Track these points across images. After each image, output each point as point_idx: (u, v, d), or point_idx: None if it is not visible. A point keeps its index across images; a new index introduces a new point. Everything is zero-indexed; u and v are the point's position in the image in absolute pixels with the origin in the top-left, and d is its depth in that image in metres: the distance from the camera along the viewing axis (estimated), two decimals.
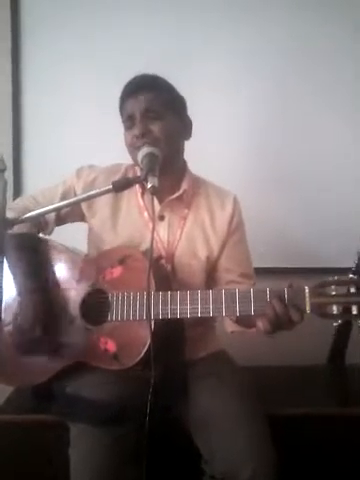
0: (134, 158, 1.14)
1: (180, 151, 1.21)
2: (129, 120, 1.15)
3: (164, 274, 1.13)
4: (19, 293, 1.14)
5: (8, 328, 1.15)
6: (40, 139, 1.73)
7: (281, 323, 0.93)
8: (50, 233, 1.27)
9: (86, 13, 1.71)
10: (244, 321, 1.12)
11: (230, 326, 1.18)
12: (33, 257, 1.17)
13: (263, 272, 1.46)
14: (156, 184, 0.97)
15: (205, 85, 1.68)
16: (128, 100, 1.15)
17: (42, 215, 1.08)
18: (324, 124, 1.74)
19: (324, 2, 1.72)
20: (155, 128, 1.11)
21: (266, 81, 1.72)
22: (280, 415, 1.18)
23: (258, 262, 1.32)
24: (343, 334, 1.55)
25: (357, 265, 1.29)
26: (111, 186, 0.93)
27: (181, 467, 1.10)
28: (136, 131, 1.12)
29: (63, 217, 1.25)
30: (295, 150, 1.74)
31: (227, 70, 1.71)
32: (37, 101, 1.73)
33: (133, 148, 1.13)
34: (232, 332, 1.19)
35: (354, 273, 0.96)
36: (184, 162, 1.24)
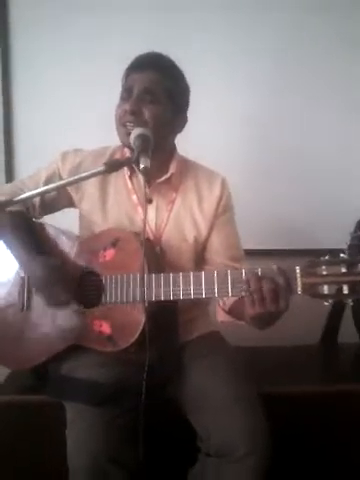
0: (120, 134, 1.12)
1: (168, 138, 1.18)
2: (126, 92, 1.12)
3: (154, 256, 1.13)
4: (25, 263, 1.15)
5: (7, 309, 1.17)
6: (31, 124, 1.72)
7: (267, 307, 0.93)
8: (39, 219, 1.27)
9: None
10: (235, 313, 1.12)
11: (221, 316, 1.19)
12: (30, 233, 1.18)
13: (257, 254, 1.48)
14: (148, 165, 0.96)
15: (202, 71, 1.64)
16: (133, 73, 1.13)
17: (31, 198, 1.07)
18: (319, 110, 1.74)
19: None
20: (146, 111, 1.09)
21: (264, 67, 1.71)
22: (273, 393, 1.20)
23: (252, 244, 1.32)
24: (336, 314, 1.57)
25: (349, 246, 1.31)
26: (103, 167, 0.92)
27: (177, 445, 1.12)
28: (128, 107, 1.09)
29: (50, 202, 1.23)
30: (290, 134, 1.74)
31: (224, 56, 1.69)
32: (27, 87, 1.71)
33: (120, 123, 1.11)
34: (222, 322, 1.20)
35: (346, 253, 0.97)
36: (174, 146, 1.22)
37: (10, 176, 1.73)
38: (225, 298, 1.14)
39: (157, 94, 1.10)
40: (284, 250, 1.70)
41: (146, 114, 1.09)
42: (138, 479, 0.99)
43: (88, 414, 1.00)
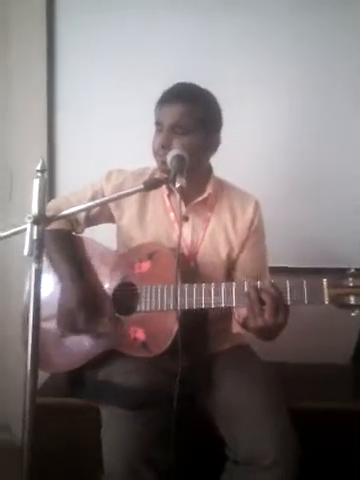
0: (157, 161, 1.21)
1: (202, 160, 1.25)
2: (157, 125, 1.20)
3: (189, 270, 1.19)
4: (64, 281, 1.23)
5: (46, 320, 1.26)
6: (73, 141, 1.84)
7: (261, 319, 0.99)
8: (81, 233, 1.36)
9: (118, 14, 1.79)
10: (246, 325, 1.14)
11: (235, 327, 1.23)
12: (70, 250, 1.26)
13: (284, 271, 1.52)
14: (184, 184, 1.03)
15: (233, 84, 1.74)
16: (162, 106, 1.20)
17: (77, 213, 1.17)
18: (348, 128, 1.78)
19: None
20: (178, 143, 1.15)
21: (302, 83, 1.77)
22: (302, 408, 1.22)
23: (278, 261, 1.35)
24: None
25: None
26: (142, 185, 1.00)
27: (206, 452, 1.15)
28: (159, 140, 1.18)
29: (92, 217, 1.33)
30: (317, 152, 1.78)
31: (254, 71, 1.77)
32: (71, 103, 1.84)
33: (155, 154, 1.20)
34: (237, 333, 1.24)
35: None
36: (209, 166, 1.29)
37: (52, 190, 1.83)
38: (240, 310, 1.17)
39: (186, 125, 1.17)
40: (313, 268, 1.71)
41: (176, 145, 1.15)
42: None
43: (123, 417, 1.06)
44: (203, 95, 1.22)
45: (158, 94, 1.23)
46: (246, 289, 1.05)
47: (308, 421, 1.17)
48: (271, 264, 1.32)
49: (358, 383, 1.53)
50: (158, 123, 1.20)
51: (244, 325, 1.17)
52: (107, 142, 1.80)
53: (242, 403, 1.09)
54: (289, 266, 1.66)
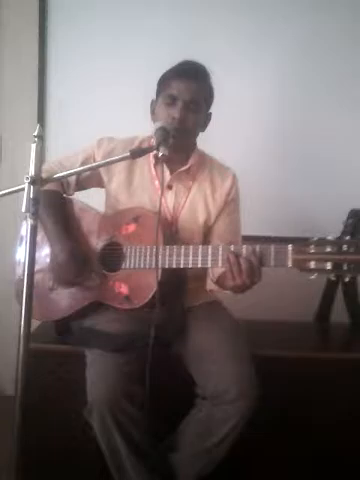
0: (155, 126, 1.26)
1: (195, 136, 1.36)
2: (170, 98, 1.27)
3: (170, 233, 1.30)
4: (52, 241, 1.33)
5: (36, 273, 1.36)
6: (63, 106, 1.90)
7: (238, 276, 1.12)
8: (71, 195, 1.45)
9: None
10: (220, 283, 1.29)
11: (209, 285, 1.36)
12: (61, 210, 1.36)
13: (260, 240, 1.64)
14: (166, 153, 1.13)
15: (222, 62, 1.77)
16: (175, 81, 1.27)
17: (70, 176, 1.25)
18: (327, 104, 1.89)
19: None
20: (191, 120, 1.26)
21: (285, 56, 1.86)
22: (265, 355, 1.37)
23: (258, 230, 1.47)
24: (329, 294, 1.74)
25: (343, 232, 1.48)
26: (128, 153, 1.09)
27: (179, 391, 1.30)
28: (176, 115, 1.25)
29: (83, 181, 1.41)
30: (299, 127, 1.88)
31: (242, 49, 1.85)
32: (61, 76, 1.89)
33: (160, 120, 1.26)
34: (210, 290, 1.37)
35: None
36: (194, 142, 1.39)
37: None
38: (214, 270, 1.30)
39: (199, 104, 1.28)
40: (286, 237, 1.84)
41: (190, 122, 1.26)
42: (146, 416, 1.18)
43: (106, 357, 1.19)
44: (208, 74, 1.32)
45: (148, 66, 1.30)
46: (220, 252, 1.16)
47: (271, 367, 1.32)
48: (255, 233, 1.43)
49: (319, 338, 1.72)
50: (171, 96, 1.27)
51: (218, 283, 1.31)
52: (97, 107, 1.86)
53: (211, 348, 1.24)
54: (272, 235, 1.79)
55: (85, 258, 1.33)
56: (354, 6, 1.85)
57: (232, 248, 1.16)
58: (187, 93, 1.26)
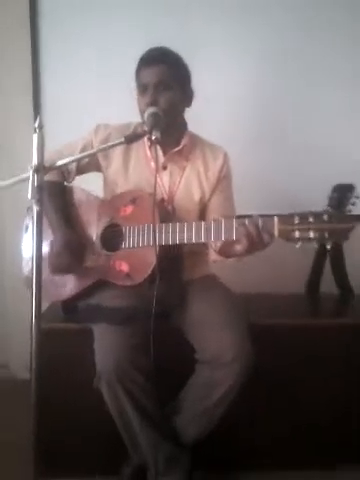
0: (143, 118, 1.37)
1: (181, 115, 1.45)
2: (143, 87, 1.37)
3: (166, 212, 1.40)
4: (53, 229, 1.42)
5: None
6: (58, 98, 1.98)
7: (255, 243, 1.19)
8: (71, 181, 1.54)
9: None
10: (224, 252, 1.38)
11: (212, 256, 1.45)
12: (62, 199, 1.45)
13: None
14: (159, 137, 1.22)
15: (205, 46, 1.90)
16: (143, 70, 1.37)
17: (69, 163, 1.33)
18: (314, 86, 1.97)
19: None
20: (163, 98, 1.34)
21: (264, 43, 1.94)
22: (261, 323, 1.48)
23: (246, 209, 1.55)
24: (318, 266, 1.84)
25: (328, 206, 1.57)
26: (123, 139, 1.17)
27: (180, 358, 1.40)
28: (147, 99, 1.34)
29: (82, 167, 1.50)
30: (284, 111, 1.98)
31: (225, 30, 1.92)
32: (54, 67, 1.97)
33: (143, 112, 1.36)
34: (214, 261, 1.46)
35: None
36: (184, 122, 1.48)
37: None
38: (217, 242, 1.37)
39: (168, 83, 1.35)
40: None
41: (162, 101, 1.34)
42: (151, 382, 1.29)
43: (111, 330, 1.29)
44: (174, 55, 1.40)
45: (134, 57, 1.38)
46: (222, 227, 1.22)
47: (265, 334, 1.43)
48: (243, 213, 1.51)
49: (309, 307, 1.83)
50: (143, 85, 1.36)
51: (221, 252, 1.38)
52: (91, 93, 1.94)
53: (208, 316, 1.34)
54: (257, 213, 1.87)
55: (82, 246, 1.42)
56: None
57: (248, 220, 1.21)
58: (154, 76, 1.34)
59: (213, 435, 1.37)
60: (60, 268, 1.41)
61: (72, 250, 1.39)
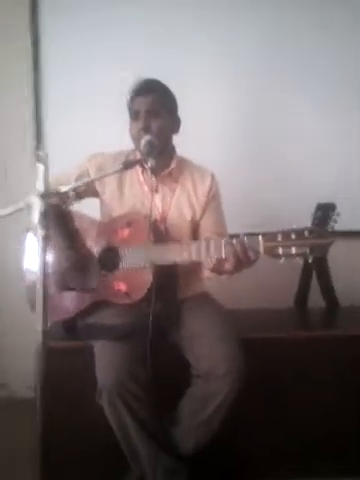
0: (135, 144, 1.50)
1: (170, 140, 1.57)
2: (135, 114, 1.50)
3: (160, 232, 1.49)
4: (57, 248, 1.50)
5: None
6: (59, 129, 2.10)
7: (242, 261, 1.29)
8: (69, 207, 1.62)
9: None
10: (216, 269, 1.44)
11: (206, 273, 1.53)
12: (64, 221, 1.54)
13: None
14: (154, 164, 1.35)
15: (194, 73, 2.06)
16: (136, 98, 1.50)
17: (73, 190, 1.42)
18: (296, 106, 2.13)
19: None
20: (154, 124, 1.47)
21: (253, 64, 2.11)
22: (251, 338, 1.55)
23: (235, 227, 1.66)
24: (305, 281, 1.94)
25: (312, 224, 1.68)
26: (121, 166, 1.28)
27: (177, 373, 1.47)
28: (140, 125, 1.47)
29: (80, 194, 1.59)
30: (269, 131, 2.13)
31: (212, 57, 2.09)
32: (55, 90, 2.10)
33: (135, 137, 1.48)
34: (208, 278, 1.56)
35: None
36: (173, 147, 1.60)
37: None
38: (209, 260, 1.44)
39: (158, 110, 1.49)
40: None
41: (154, 127, 1.47)
42: (150, 395, 1.35)
43: (111, 346, 1.36)
44: (163, 86, 1.54)
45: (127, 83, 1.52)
46: (212, 246, 1.32)
47: (256, 347, 1.50)
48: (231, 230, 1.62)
49: (298, 320, 1.92)
50: (135, 111, 1.49)
51: (214, 270, 1.45)
52: (87, 124, 2.06)
53: (202, 332, 1.42)
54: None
55: (85, 264, 1.51)
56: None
57: (223, 242, 1.32)
58: (145, 104, 1.48)
59: (210, 447, 1.43)
60: (65, 287, 1.49)
61: (76, 269, 1.47)
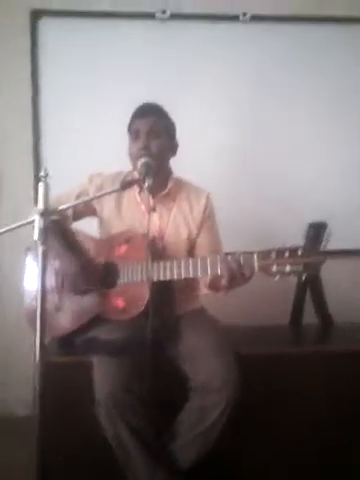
0: (133, 163, 1.55)
1: (167, 162, 1.62)
2: (135, 134, 1.55)
3: (157, 250, 1.53)
4: (63, 255, 1.55)
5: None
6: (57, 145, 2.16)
7: (238, 278, 1.33)
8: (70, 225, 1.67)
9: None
10: (213, 286, 1.51)
11: (203, 290, 1.58)
12: (66, 233, 1.58)
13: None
14: (151, 184, 1.39)
15: (191, 94, 2.15)
16: (137, 120, 1.56)
17: (71, 207, 1.47)
18: (295, 125, 2.22)
19: None
20: (154, 144, 1.52)
21: (243, 88, 2.19)
22: (246, 352, 1.57)
23: (231, 246, 1.71)
24: (300, 296, 1.97)
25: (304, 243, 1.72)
26: (119, 186, 1.32)
27: (174, 385, 1.49)
28: (140, 145, 1.52)
29: (79, 213, 1.64)
30: (263, 149, 2.20)
31: (210, 79, 2.17)
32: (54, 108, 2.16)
33: (135, 156, 1.53)
34: (205, 295, 1.60)
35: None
36: (170, 168, 1.65)
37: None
38: (205, 278, 1.51)
39: (157, 132, 1.54)
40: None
41: (153, 147, 1.52)
42: (146, 408, 1.37)
43: (108, 361, 1.39)
44: (163, 110, 1.61)
45: (128, 106, 1.59)
46: (208, 263, 1.36)
47: (251, 362, 1.52)
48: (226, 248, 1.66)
49: (292, 336, 1.95)
50: (135, 131, 1.55)
51: (211, 286, 1.51)
52: (86, 146, 2.13)
53: (199, 347, 1.45)
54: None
55: (93, 268, 1.54)
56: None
57: (218, 259, 1.36)
58: (146, 125, 1.53)
59: (207, 460, 1.44)
60: (80, 287, 1.52)
61: (87, 270, 1.52)
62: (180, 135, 1.64)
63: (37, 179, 2.07)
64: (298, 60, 2.22)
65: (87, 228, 1.67)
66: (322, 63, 2.23)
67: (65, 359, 1.58)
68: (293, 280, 1.92)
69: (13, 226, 1.26)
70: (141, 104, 1.59)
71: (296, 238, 1.55)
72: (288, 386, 1.61)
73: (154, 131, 1.53)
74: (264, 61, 2.21)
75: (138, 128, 1.54)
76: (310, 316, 2.02)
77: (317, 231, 1.74)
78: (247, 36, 2.19)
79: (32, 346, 1.14)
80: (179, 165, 1.65)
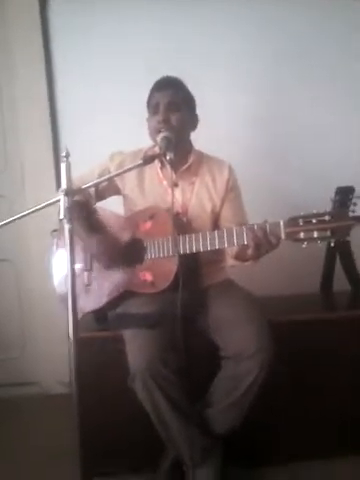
0: (153, 138, 1.54)
1: (188, 136, 1.60)
2: (155, 108, 1.53)
3: (181, 224, 1.53)
4: (85, 237, 1.56)
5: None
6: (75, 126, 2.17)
7: (264, 246, 1.32)
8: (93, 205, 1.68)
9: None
10: (240, 257, 1.50)
11: (230, 261, 1.58)
12: (89, 215, 1.60)
13: None
14: (172, 157, 1.38)
15: (211, 66, 2.10)
16: (156, 93, 1.54)
17: (94, 185, 1.47)
18: (312, 98, 2.16)
19: None
20: (173, 118, 1.51)
21: (264, 61, 2.14)
22: (280, 320, 1.58)
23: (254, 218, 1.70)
24: (329, 263, 1.94)
25: (332, 208, 1.68)
26: (141, 161, 1.32)
27: (205, 355, 1.51)
28: (160, 118, 1.50)
29: (101, 192, 1.66)
30: (286, 122, 2.15)
31: (229, 51, 2.13)
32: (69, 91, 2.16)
33: (154, 131, 1.52)
34: (232, 266, 1.59)
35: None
36: (190, 142, 1.63)
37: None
38: (231, 249, 1.50)
39: (177, 104, 1.52)
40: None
41: (173, 120, 1.50)
42: (181, 379, 1.39)
43: (141, 333, 1.41)
44: (182, 83, 1.58)
45: (145, 82, 1.56)
46: (244, 231, 1.34)
47: (285, 330, 1.54)
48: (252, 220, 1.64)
49: (324, 303, 1.93)
50: (155, 105, 1.53)
51: (238, 257, 1.51)
52: (106, 124, 2.11)
53: (229, 316, 1.46)
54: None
55: (121, 245, 1.55)
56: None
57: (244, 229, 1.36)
58: (165, 98, 1.51)
59: (242, 427, 1.47)
60: (112, 262, 1.54)
61: (113, 248, 1.54)
62: (201, 109, 1.61)
63: (57, 165, 2.16)
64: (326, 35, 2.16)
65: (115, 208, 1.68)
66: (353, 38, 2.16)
67: (98, 334, 1.61)
68: (322, 247, 1.89)
69: (38, 206, 1.28)
70: (160, 77, 1.57)
71: (321, 206, 1.54)
72: (320, 351, 1.61)
73: (173, 104, 1.51)
74: (287, 36, 2.15)
75: (157, 101, 1.53)
76: (341, 283, 1.99)
77: (345, 195, 1.70)
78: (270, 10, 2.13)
79: (65, 325, 1.17)
80: (195, 140, 1.63)
